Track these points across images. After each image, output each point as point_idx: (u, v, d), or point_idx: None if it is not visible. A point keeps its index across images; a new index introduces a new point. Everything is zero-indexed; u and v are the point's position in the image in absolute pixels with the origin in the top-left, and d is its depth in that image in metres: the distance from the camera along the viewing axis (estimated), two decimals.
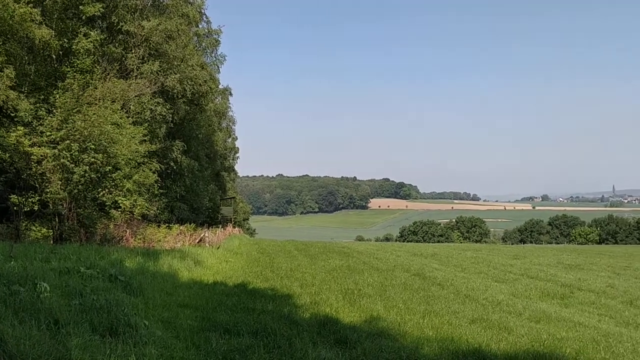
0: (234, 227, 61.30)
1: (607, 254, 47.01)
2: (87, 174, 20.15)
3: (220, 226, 46.44)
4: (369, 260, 29.60)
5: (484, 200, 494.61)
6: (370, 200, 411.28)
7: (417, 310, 13.45)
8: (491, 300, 16.79)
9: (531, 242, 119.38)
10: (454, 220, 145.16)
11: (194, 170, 39.35)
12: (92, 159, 20.15)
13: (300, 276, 20.03)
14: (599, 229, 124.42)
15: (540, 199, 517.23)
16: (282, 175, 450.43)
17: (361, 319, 12.29)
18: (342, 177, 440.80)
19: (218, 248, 30.08)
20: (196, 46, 41.05)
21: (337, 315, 12.29)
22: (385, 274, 21.97)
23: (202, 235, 31.25)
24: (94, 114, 21.03)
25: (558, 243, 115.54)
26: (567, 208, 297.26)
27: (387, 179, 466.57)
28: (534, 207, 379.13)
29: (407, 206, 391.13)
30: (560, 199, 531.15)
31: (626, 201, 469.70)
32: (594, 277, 25.53)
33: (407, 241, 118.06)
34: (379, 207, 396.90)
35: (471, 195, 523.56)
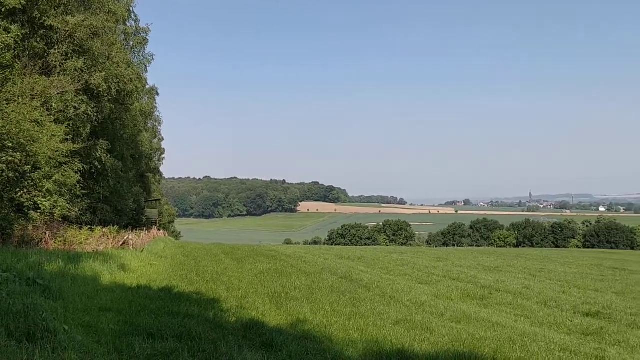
0: (159, 229, 59.96)
1: (524, 256, 49.10)
2: (4, 173, 19.24)
3: (144, 229, 45.29)
4: (297, 263, 29.67)
5: (410, 204, 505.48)
6: (300, 203, 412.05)
7: (344, 313, 13.62)
8: (415, 302, 17.22)
9: (454, 245, 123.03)
10: (381, 223, 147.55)
11: (119, 171, 38.20)
12: (10, 158, 19.26)
13: (226, 280, 19.85)
14: (516, 232, 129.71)
15: (463, 204, 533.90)
16: (209, 177, 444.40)
17: (288, 322, 12.33)
18: (271, 180, 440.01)
19: (142, 251, 29.34)
20: (123, 44, 39.97)
21: (263, 319, 12.27)
22: (313, 277, 22.10)
23: (125, 237, 30.40)
24: (13, 111, 20.11)
25: (479, 246, 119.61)
26: (488, 212, 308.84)
27: (317, 183, 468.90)
28: (456, 211, 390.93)
29: (335, 210, 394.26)
30: (481, 204, 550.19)
31: (542, 206, 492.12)
32: (512, 279, 26.62)
33: (336, 244, 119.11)
34: (308, 210, 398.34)
35: (398, 199, 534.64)
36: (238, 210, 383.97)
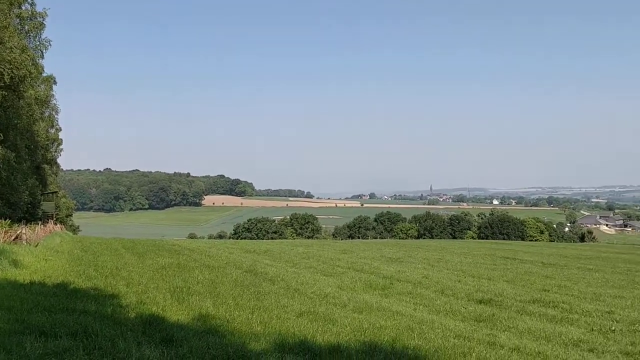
0: (55, 223, 57.17)
1: (424, 247, 50.94)
2: None
3: (40, 223, 42.99)
4: (201, 257, 29.24)
5: (317, 198, 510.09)
6: (205, 197, 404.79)
7: (247, 306, 13.57)
8: (319, 294, 17.44)
9: (359, 237, 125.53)
10: (288, 217, 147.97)
11: (11, 162, 36.03)
12: None
13: (126, 275, 19.24)
14: (418, 224, 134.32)
15: (368, 197, 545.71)
16: (110, 169, 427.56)
17: (189, 316, 12.12)
18: (175, 172, 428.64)
19: (37, 246, 27.89)
20: (17, 28, 37.55)
21: (164, 314, 12.00)
22: (217, 272, 21.86)
23: (18, 232, 28.75)
24: None
25: (383, 238, 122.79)
26: (392, 205, 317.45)
27: (222, 176, 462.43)
28: (362, 205, 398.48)
29: (242, 203, 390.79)
30: (386, 197, 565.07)
31: (441, 199, 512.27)
32: (412, 269, 27.54)
33: (241, 238, 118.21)
34: (214, 204, 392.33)
35: (305, 193, 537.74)
36: (140, 203, 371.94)
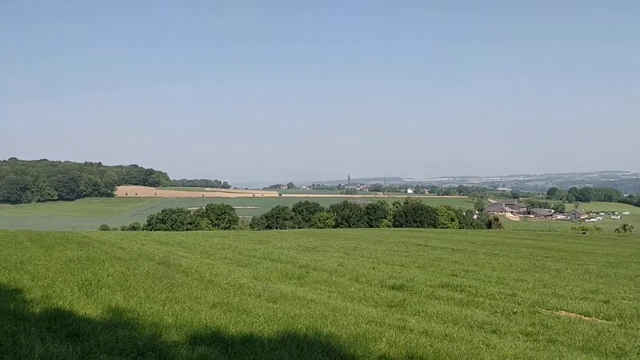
0: None
1: (341, 236, 51.61)
2: None
3: None
4: (112, 250, 28.27)
5: (234, 188, 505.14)
6: (117, 187, 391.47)
7: (159, 299, 13.27)
8: (233, 284, 17.31)
9: (277, 228, 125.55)
10: (204, 207, 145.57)
11: None
12: None
13: (32, 269, 18.30)
14: (335, 214, 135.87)
15: (287, 187, 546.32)
16: (15, 158, 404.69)
17: (99, 310, 11.71)
18: (85, 162, 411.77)
19: None
20: None
21: (71, 308, 11.52)
22: (128, 264, 21.22)
23: None
24: None
25: (301, 227, 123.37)
26: (310, 195, 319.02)
27: (136, 166, 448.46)
28: (280, 195, 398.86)
29: (156, 194, 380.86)
30: (304, 187, 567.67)
31: (359, 189, 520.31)
32: (328, 258, 27.87)
33: (155, 230, 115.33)
34: (127, 194, 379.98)
35: (222, 183, 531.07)
36: (49, 194, 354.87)
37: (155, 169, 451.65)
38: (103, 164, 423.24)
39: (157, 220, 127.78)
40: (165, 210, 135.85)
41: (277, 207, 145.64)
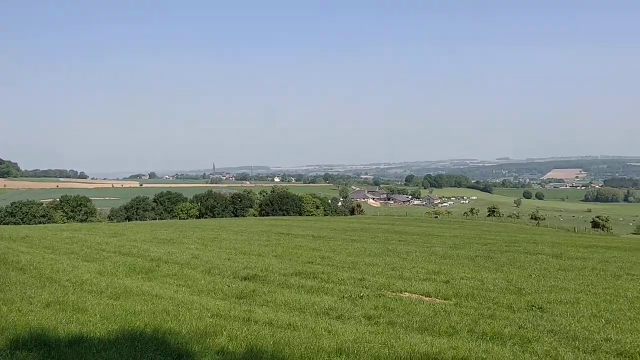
0: None
1: (201, 227, 50.59)
2: None
3: None
4: None
5: (92, 179, 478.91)
6: None
7: None
8: (74, 281, 16.26)
9: (137, 219, 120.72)
10: (58, 199, 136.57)
11: None
12: None
13: None
14: (199, 204, 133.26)
15: (148, 177, 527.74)
16: None
17: None
18: None
19: None
20: None
21: None
22: None
23: None
24: None
25: (162, 219, 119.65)
26: (173, 185, 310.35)
27: None
28: (141, 185, 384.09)
29: (5, 185, 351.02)
30: (167, 177, 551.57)
31: (224, 178, 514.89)
32: (183, 250, 27.05)
33: (4, 224, 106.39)
34: None
35: (79, 173, 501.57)
36: None
37: (4, 159, 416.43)
38: None
39: (6, 214, 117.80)
40: (14, 202, 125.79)
41: (137, 197, 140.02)
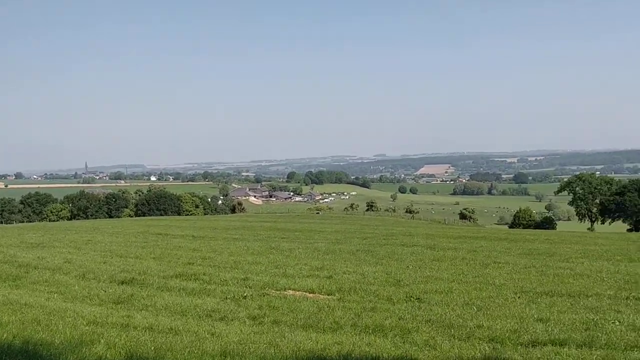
0: None
1: (74, 229, 47.85)
2: None
3: None
4: None
5: None
6: None
7: None
8: None
9: (2, 223, 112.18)
10: None
11: None
12: None
13: None
14: (71, 205, 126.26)
15: (14, 177, 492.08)
16: None
17: None
18: None
19: None
20: None
21: None
22: None
23: None
24: None
25: (30, 221, 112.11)
26: (42, 185, 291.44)
27: None
28: (6, 186, 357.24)
29: None
30: (35, 177, 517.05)
31: (98, 177, 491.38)
32: (54, 254, 25.40)
33: None
34: None
35: None
36: None
37: None
38: None
39: None
40: None
41: (2, 199, 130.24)
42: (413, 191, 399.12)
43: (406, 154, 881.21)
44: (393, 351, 9.38)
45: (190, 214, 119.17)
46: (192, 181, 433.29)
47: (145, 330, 10.60)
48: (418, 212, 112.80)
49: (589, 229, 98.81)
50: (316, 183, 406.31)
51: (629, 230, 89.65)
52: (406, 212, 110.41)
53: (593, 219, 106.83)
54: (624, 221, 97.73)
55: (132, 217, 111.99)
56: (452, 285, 16.48)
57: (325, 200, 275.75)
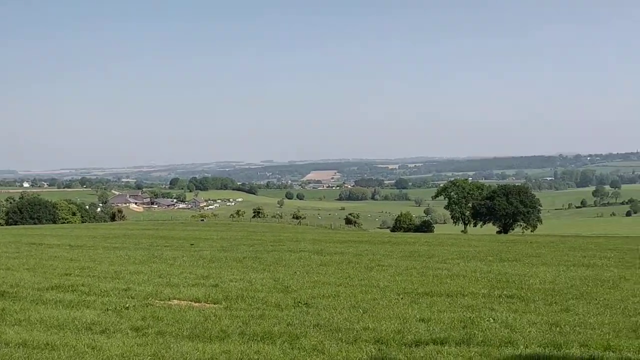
0: None
1: None
2: None
3: None
4: None
5: None
6: None
7: None
8: None
9: None
10: None
11: None
12: None
13: None
14: None
15: None
16: None
17: None
18: None
19: None
20: None
21: None
22: None
23: None
24: None
25: None
26: None
27: None
28: None
29: None
30: None
31: None
32: None
33: None
34: None
35: None
36: None
37: None
38: None
39: None
40: None
41: None
42: (300, 197, 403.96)
43: (293, 160, 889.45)
44: (281, 358, 9.36)
45: (67, 222, 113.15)
46: (69, 187, 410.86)
47: (18, 347, 9.89)
48: (305, 217, 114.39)
49: (462, 231, 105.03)
50: (201, 189, 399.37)
51: (499, 232, 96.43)
52: (293, 218, 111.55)
53: (466, 222, 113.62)
54: (494, 224, 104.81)
55: (2, 225, 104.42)
56: (339, 289, 16.75)
57: (210, 207, 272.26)
